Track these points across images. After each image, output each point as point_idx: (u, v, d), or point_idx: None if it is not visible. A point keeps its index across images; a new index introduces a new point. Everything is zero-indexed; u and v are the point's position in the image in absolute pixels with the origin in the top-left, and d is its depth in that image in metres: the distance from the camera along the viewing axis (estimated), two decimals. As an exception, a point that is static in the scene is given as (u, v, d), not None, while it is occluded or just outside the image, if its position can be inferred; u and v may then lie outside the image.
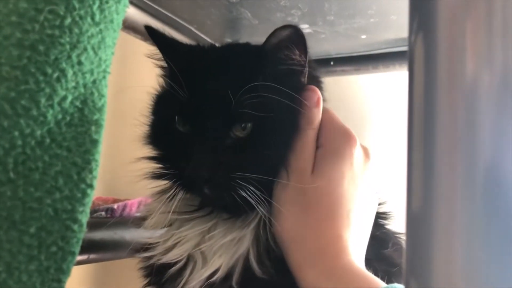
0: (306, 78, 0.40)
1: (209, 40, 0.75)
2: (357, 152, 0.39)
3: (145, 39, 0.70)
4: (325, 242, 0.35)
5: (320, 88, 0.42)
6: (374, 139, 0.86)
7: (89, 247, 0.57)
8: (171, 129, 0.38)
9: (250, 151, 0.36)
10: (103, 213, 0.69)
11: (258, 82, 0.36)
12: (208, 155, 0.35)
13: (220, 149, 0.36)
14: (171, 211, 0.38)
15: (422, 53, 0.23)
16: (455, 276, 0.21)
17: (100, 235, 0.60)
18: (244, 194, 0.35)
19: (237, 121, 0.36)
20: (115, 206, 0.70)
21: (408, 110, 0.25)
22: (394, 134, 0.84)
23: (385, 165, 0.81)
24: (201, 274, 0.35)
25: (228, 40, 0.76)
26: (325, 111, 0.40)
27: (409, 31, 0.24)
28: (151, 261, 0.38)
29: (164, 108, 0.41)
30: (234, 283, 0.35)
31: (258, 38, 0.76)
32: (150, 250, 0.38)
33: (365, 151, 0.41)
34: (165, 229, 0.39)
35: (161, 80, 0.44)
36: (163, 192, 0.41)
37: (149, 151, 0.43)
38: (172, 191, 0.37)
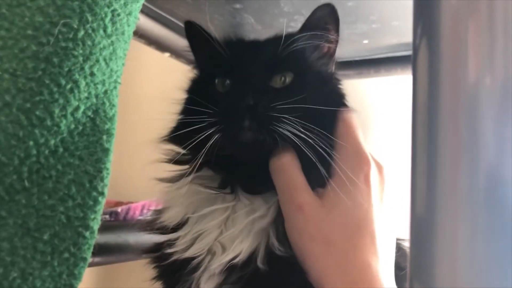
0: (334, 65, 0.44)
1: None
2: (373, 174, 0.37)
3: (148, 44, 0.71)
4: (354, 274, 0.33)
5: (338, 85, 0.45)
6: (376, 143, 0.86)
7: (93, 250, 0.58)
8: (210, 95, 0.40)
9: (289, 98, 0.37)
10: (107, 216, 0.70)
11: (298, 36, 0.40)
12: (251, 86, 0.37)
13: (262, 90, 0.38)
14: (196, 175, 0.38)
15: (426, 57, 0.24)
16: (458, 278, 0.21)
17: (104, 238, 0.60)
18: (285, 131, 0.35)
19: (276, 71, 0.39)
20: (119, 209, 0.71)
21: (412, 114, 0.25)
22: (395, 137, 0.85)
23: (388, 169, 0.81)
24: (222, 258, 0.35)
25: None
26: (341, 122, 0.39)
27: (413, 36, 0.25)
28: (173, 258, 0.37)
29: (201, 82, 0.44)
30: (260, 263, 0.34)
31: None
32: (171, 246, 0.38)
33: (379, 168, 0.39)
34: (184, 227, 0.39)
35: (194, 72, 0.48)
36: (182, 176, 0.41)
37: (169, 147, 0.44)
38: (204, 133, 0.36)
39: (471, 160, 0.21)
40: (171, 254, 0.37)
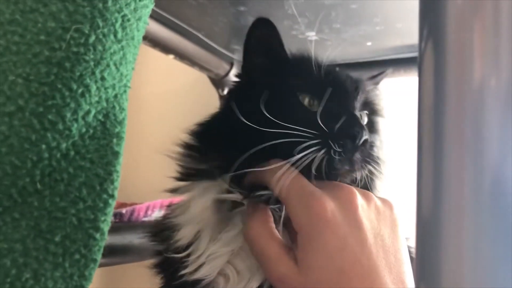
0: None
1: (215, 46, 0.76)
2: (360, 201, 0.34)
3: (153, 46, 0.72)
4: None
5: None
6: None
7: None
8: (291, 105, 0.38)
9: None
10: (111, 217, 0.70)
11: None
12: (358, 119, 0.37)
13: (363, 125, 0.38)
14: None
15: (432, 59, 0.24)
16: (464, 278, 0.21)
17: (108, 239, 0.61)
18: (372, 170, 0.36)
19: (363, 109, 0.41)
20: (124, 211, 0.71)
21: (418, 116, 0.25)
22: (400, 139, 0.85)
23: (391, 171, 0.82)
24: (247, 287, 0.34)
25: (236, 46, 0.77)
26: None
27: (419, 38, 0.25)
28: (183, 279, 0.36)
29: (259, 90, 0.39)
30: None
31: (265, 45, 0.77)
32: (183, 267, 0.36)
33: (384, 202, 0.36)
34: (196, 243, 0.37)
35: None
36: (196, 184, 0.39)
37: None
38: (308, 153, 0.33)
39: (476, 161, 0.22)
40: (182, 275, 0.36)
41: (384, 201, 0.36)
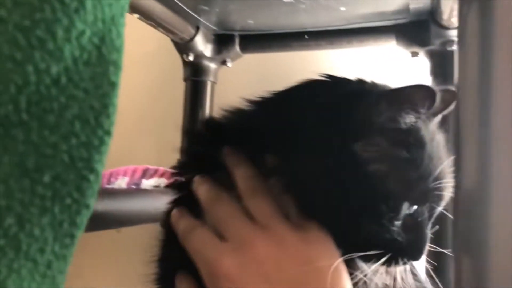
0: None
1: (183, 6, 0.73)
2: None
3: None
4: None
5: None
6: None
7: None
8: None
9: None
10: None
11: None
12: None
13: None
14: None
15: (477, 25, 0.22)
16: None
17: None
18: None
19: None
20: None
21: (459, 84, 0.24)
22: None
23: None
24: None
25: (203, 7, 0.73)
26: None
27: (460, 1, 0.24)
28: None
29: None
30: None
31: (234, 6, 0.74)
32: None
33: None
34: None
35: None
36: None
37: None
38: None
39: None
40: None
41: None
